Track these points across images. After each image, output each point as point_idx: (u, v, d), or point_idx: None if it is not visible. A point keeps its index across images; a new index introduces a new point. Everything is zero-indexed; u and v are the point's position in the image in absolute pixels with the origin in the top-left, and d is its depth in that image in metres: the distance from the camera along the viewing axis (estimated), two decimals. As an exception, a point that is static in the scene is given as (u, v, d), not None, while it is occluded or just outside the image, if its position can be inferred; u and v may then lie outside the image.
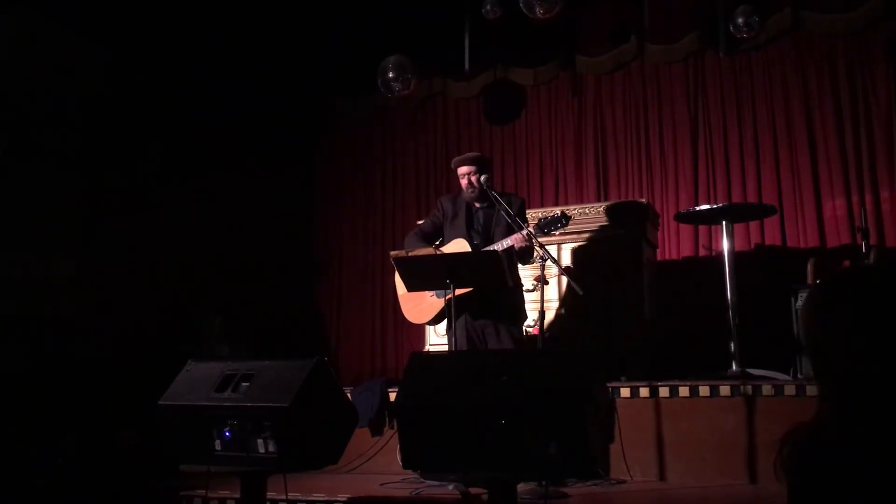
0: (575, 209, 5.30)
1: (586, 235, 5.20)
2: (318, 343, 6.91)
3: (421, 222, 4.83)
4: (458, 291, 4.11)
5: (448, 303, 4.05)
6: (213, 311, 5.72)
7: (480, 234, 4.44)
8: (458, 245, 4.36)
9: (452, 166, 4.58)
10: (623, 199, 5.79)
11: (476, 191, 4.43)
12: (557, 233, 4.48)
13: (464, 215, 4.48)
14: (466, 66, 6.50)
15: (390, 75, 5.95)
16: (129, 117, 5.59)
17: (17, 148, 4.90)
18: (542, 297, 4.15)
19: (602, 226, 5.21)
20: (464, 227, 4.45)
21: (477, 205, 4.49)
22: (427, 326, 5.43)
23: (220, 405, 3.13)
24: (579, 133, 6.56)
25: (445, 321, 4.38)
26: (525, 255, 4.25)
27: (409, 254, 4.40)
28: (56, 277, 4.91)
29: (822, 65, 5.77)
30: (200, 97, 6.04)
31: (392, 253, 5.14)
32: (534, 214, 4.95)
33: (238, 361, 3.34)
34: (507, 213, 4.25)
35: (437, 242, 4.48)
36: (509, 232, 4.28)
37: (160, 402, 3.25)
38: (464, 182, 4.48)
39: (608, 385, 4.33)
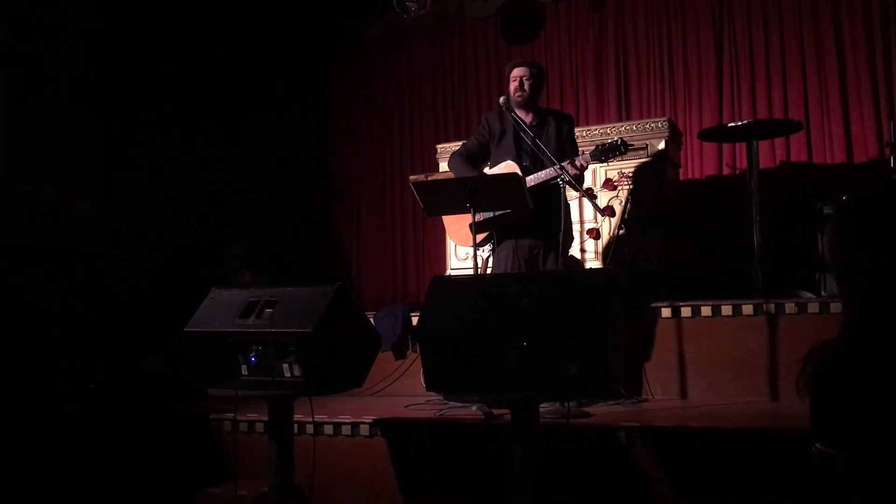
0: (596, 129, 5.22)
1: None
2: (339, 269, 6.95)
3: (465, 141, 4.64)
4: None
5: (488, 224, 4.05)
6: (233, 239, 5.76)
7: (530, 156, 4.24)
8: (508, 168, 4.20)
9: (507, 70, 4.44)
10: (645, 118, 5.68)
11: (524, 96, 4.28)
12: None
13: (512, 135, 4.29)
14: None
15: (406, -6, 5.82)
16: (144, 50, 5.54)
17: (33, 80, 4.88)
18: (564, 220, 4.11)
19: (624, 146, 5.11)
20: (512, 148, 4.28)
21: (527, 120, 4.27)
22: (448, 251, 5.45)
23: (244, 331, 3.17)
24: (600, 50, 6.40)
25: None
26: (577, 180, 4.12)
27: (429, 178, 4.34)
28: (77, 208, 4.95)
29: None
30: (212, 26, 5.95)
31: (411, 178, 5.11)
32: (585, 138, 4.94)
33: (261, 288, 3.37)
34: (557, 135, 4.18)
35: (486, 166, 4.34)
36: (559, 151, 4.13)
37: (186, 329, 3.29)
38: (514, 84, 4.31)
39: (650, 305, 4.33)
